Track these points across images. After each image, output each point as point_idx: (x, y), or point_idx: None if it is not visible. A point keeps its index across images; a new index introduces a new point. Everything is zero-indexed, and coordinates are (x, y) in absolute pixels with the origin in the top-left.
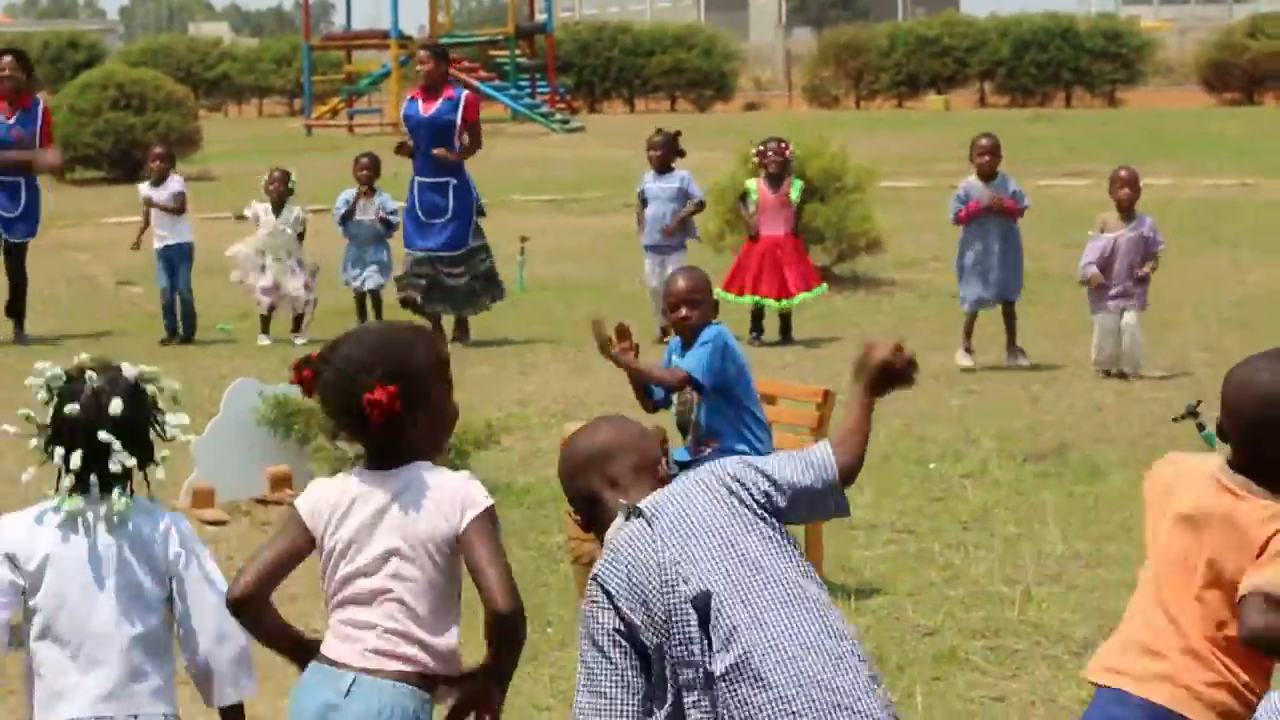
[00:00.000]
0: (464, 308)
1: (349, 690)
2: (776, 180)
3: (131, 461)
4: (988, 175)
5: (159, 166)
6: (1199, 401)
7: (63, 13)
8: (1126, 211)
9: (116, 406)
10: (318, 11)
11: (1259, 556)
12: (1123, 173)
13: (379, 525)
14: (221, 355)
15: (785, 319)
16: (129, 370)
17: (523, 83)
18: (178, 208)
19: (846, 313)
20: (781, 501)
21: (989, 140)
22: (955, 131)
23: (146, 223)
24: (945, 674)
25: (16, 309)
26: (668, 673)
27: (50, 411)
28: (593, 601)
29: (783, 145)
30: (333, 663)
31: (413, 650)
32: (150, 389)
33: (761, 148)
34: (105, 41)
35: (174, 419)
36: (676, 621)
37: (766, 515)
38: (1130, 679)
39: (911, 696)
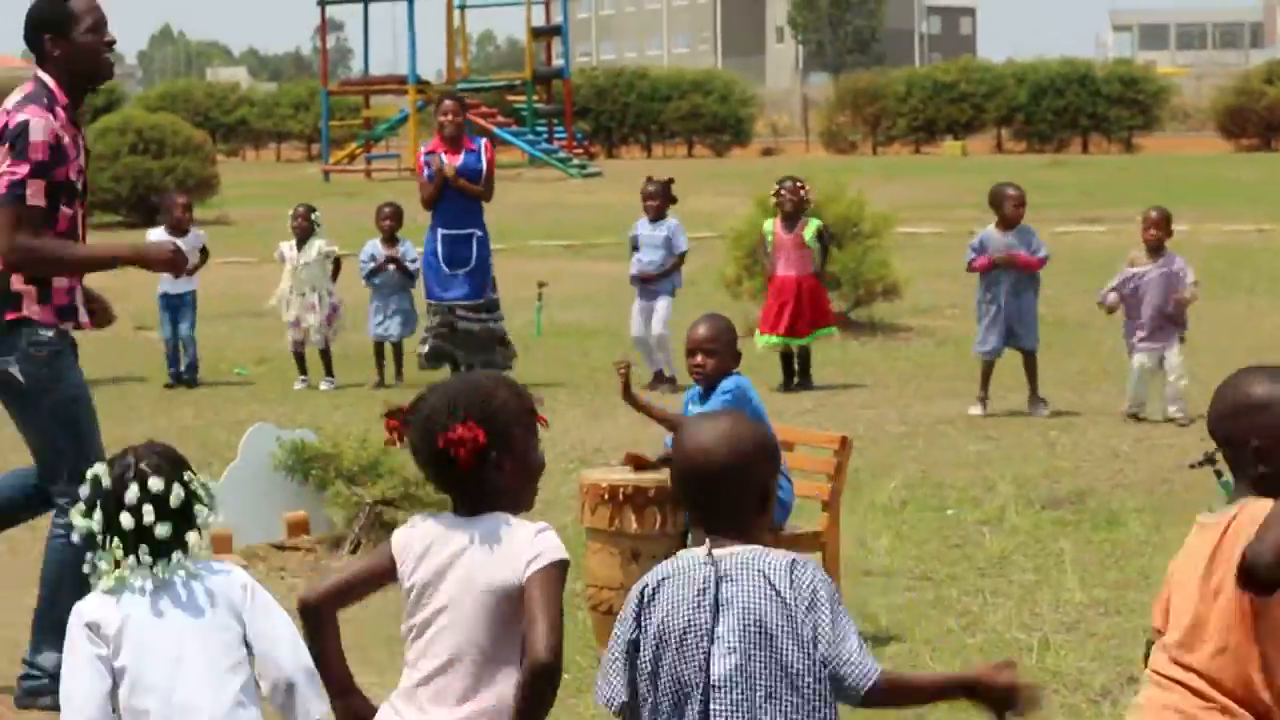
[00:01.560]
0: (477, 354)
1: None
2: (792, 220)
3: (167, 529)
4: (1013, 224)
5: (187, 218)
6: (1216, 448)
7: None
8: (1155, 251)
9: (156, 484)
10: (335, 57)
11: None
12: (1153, 213)
13: (450, 572)
14: (239, 400)
15: (804, 362)
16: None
17: (540, 128)
18: (194, 266)
19: (863, 359)
20: (818, 665)
21: (1017, 191)
22: (972, 177)
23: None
24: None
25: None
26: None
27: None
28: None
29: (799, 185)
30: None
31: (473, 707)
32: (190, 476)
33: (778, 187)
34: (123, 86)
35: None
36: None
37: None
38: None
39: None
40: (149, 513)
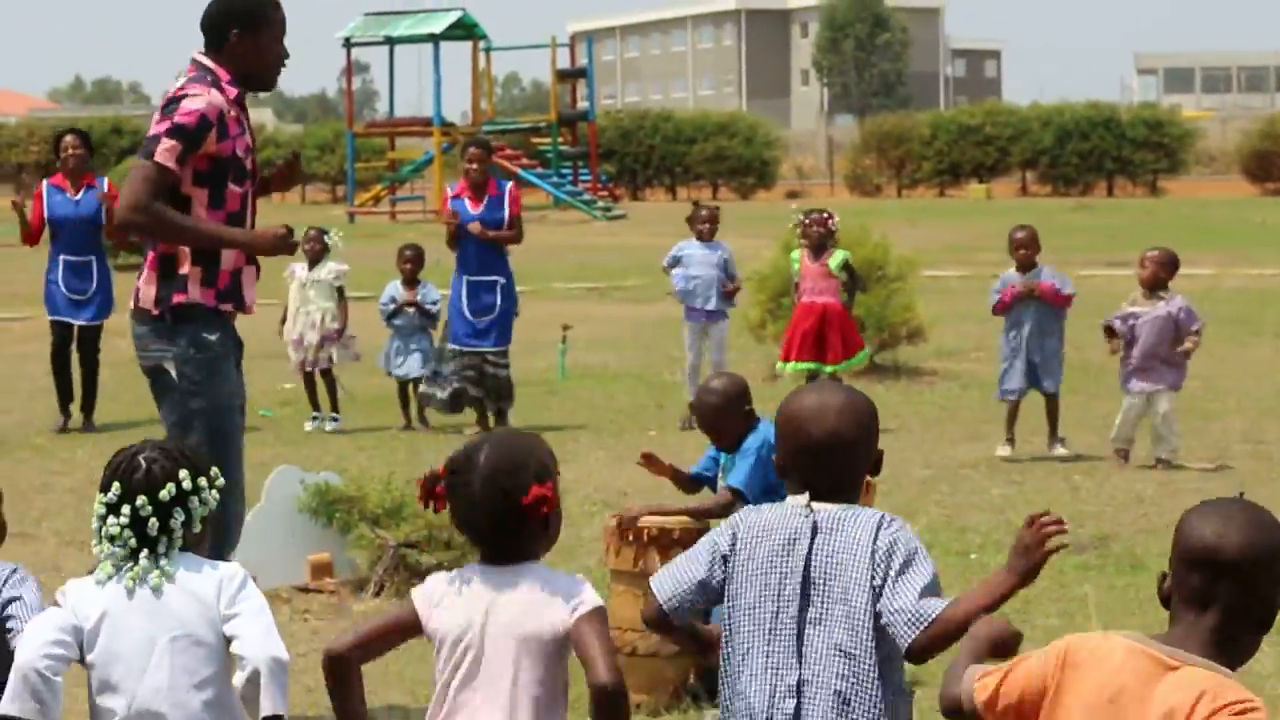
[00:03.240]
0: (504, 399)
1: None
2: (818, 251)
3: (175, 522)
4: (1025, 267)
5: None
6: (1241, 494)
7: (107, 98)
8: (1151, 290)
9: (152, 478)
10: (361, 98)
11: None
12: (1152, 252)
13: (492, 623)
14: (264, 441)
15: None
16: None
17: (565, 170)
18: None
19: (888, 402)
20: (881, 612)
21: (1025, 233)
22: (997, 220)
23: None
24: None
25: (87, 397)
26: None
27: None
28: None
29: (825, 216)
30: None
31: None
32: (184, 475)
33: (803, 218)
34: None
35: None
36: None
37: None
38: None
39: None
40: (143, 506)
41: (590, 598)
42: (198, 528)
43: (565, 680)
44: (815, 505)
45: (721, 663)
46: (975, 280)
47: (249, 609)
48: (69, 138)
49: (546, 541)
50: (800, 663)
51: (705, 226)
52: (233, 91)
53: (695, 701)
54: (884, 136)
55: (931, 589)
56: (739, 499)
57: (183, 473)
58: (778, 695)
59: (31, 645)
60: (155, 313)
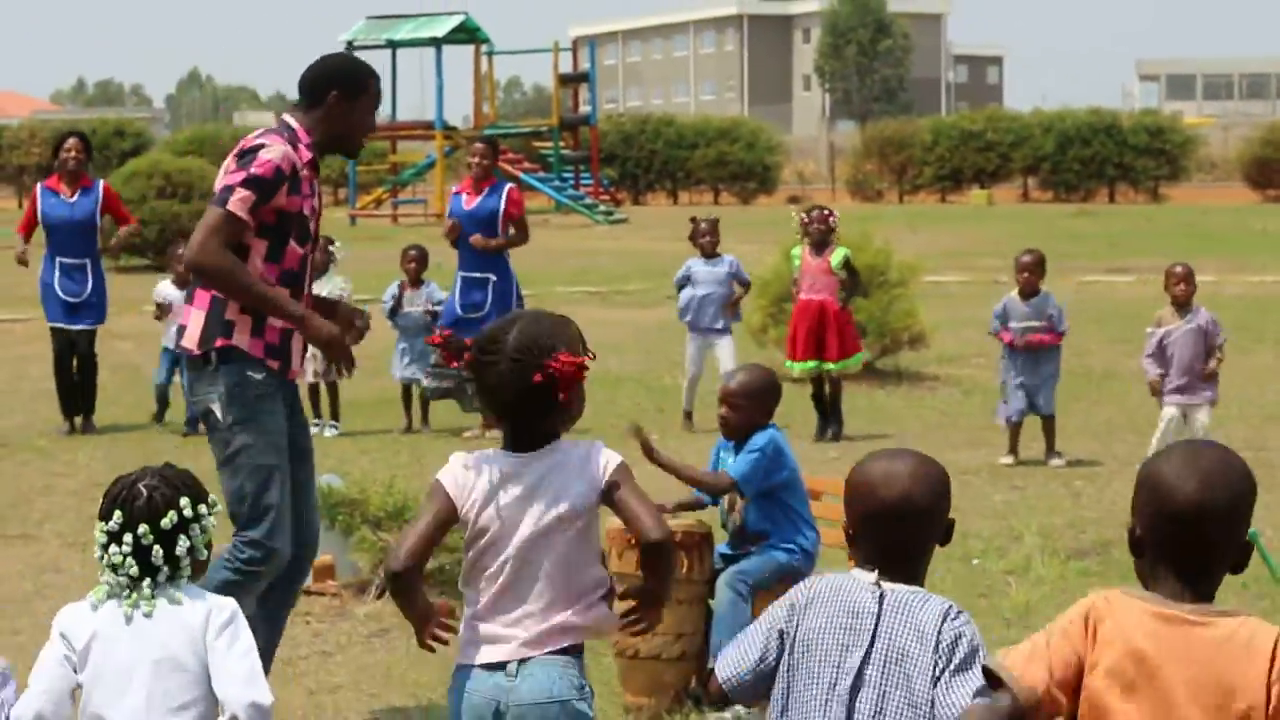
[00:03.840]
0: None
1: (517, 672)
2: (820, 248)
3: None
4: (1027, 292)
5: (186, 272)
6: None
7: (109, 101)
8: (1183, 307)
9: (153, 505)
10: None
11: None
12: (1178, 269)
13: (532, 504)
14: None
15: (835, 398)
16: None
17: (566, 174)
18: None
19: (889, 408)
20: (934, 700)
21: (1030, 257)
22: (998, 226)
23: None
24: None
25: (86, 400)
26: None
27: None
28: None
29: (826, 213)
30: (489, 666)
31: (566, 622)
32: (185, 502)
33: (805, 215)
34: (151, 130)
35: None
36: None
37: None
38: None
39: None
40: (144, 535)
41: (613, 455)
42: (204, 555)
43: (599, 547)
44: (885, 584)
45: None
46: (976, 286)
47: (235, 647)
48: (71, 140)
49: (569, 419)
50: None
51: (705, 240)
52: (307, 154)
53: (697, 705)
54: (885, 142)
55: (984, 693)
56: (735, 489)
57: (183, 500)
58: None
59: (26, 697)
60: (198, 353)
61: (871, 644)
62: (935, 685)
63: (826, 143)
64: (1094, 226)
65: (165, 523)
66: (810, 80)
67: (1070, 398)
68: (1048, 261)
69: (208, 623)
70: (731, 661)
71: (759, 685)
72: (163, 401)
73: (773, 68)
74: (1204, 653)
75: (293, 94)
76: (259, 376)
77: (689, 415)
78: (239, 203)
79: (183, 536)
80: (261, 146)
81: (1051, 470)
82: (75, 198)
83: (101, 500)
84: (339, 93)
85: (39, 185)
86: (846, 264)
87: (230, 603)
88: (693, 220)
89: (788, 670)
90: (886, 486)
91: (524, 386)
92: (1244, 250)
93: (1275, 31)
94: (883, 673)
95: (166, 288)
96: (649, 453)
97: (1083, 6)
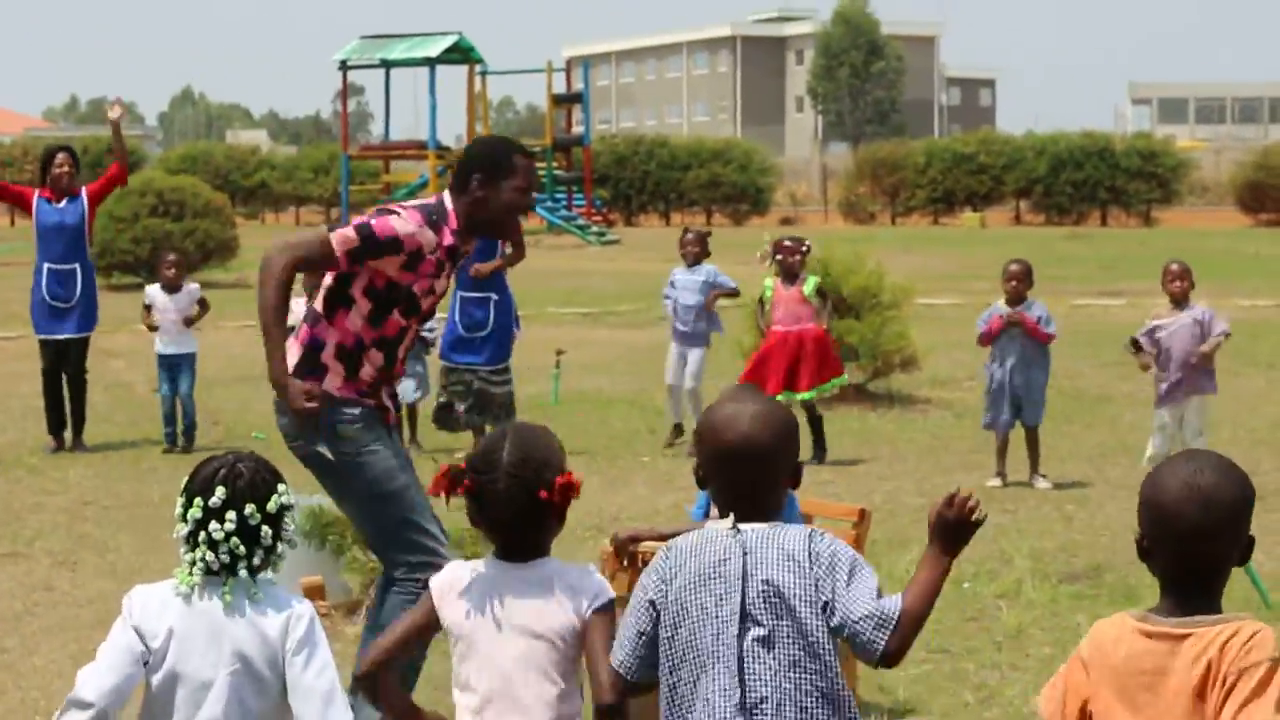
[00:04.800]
0: (505, 419)
1: None
2: (791, 278)
3: (266, 546)
4: (1015, 300)
5: (175, 275)
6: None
7: (102, 119)
8: (1179, 304)
9: (274, 503)
10: (356, 121)
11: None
12: (1174, 266)
13: (514, 617)
14: None
15: (817, 426)
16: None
17: (559, 195)
18: (194, 316)
19: (881, 430)
20: (830, 622)
21: (1018, 266)
22: (991, 249)
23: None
24: None
25: (76, 419)
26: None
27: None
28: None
29: (798, 243)
30: None
31: None
32: (289, 502)
33: (775, 246)
34: (144, 148)
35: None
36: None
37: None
38: None
39: None
40: (252, 514)
41: (604, 589)
42: (295, 544)
43: (579, 674)
44: (741, 526)
45: (664, 707)
46: (969, 309)
47: (313, 663)
48: (61, 155)
49: (558, 529)
50: (744, 686)
51: (688, 250)
52: (450, 239)
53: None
54: (878, 164)
55: (880, 590)
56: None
57: (282, 486)
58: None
59: (91, 681)
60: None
61: (744, 586)
62: (832, 610)
63: (819, 164)
64: (1086, 250)
65: (271, 505)
66: (803, 102)
67: (1062, 420)
68: (1039, 284)
69: (286, 633)
70: (617, 648)
71: (648, 661)
72: (170, 419)
73: (766, 89)
74: (1184, 663)
75: (286, 111)
76: (356, 411)
77: (679, 428)
78: (340, 239)
79: (283, 521)
80: (396, 214)
81: (1042, 493)
82: (64, 204)
83: (189, 481)
84: (482, 177)
85: (35, 191)
86: (819, 290)
87: (308, 610)
88: (685, 230)
89: (670, 636)
90: (729, 429)
91: (523, 504)
92: (1236, 274)
93: (1267, 56)
94: (765, 610)
95: (156, 291)
96: (632, 541)
97: (1075, 29)
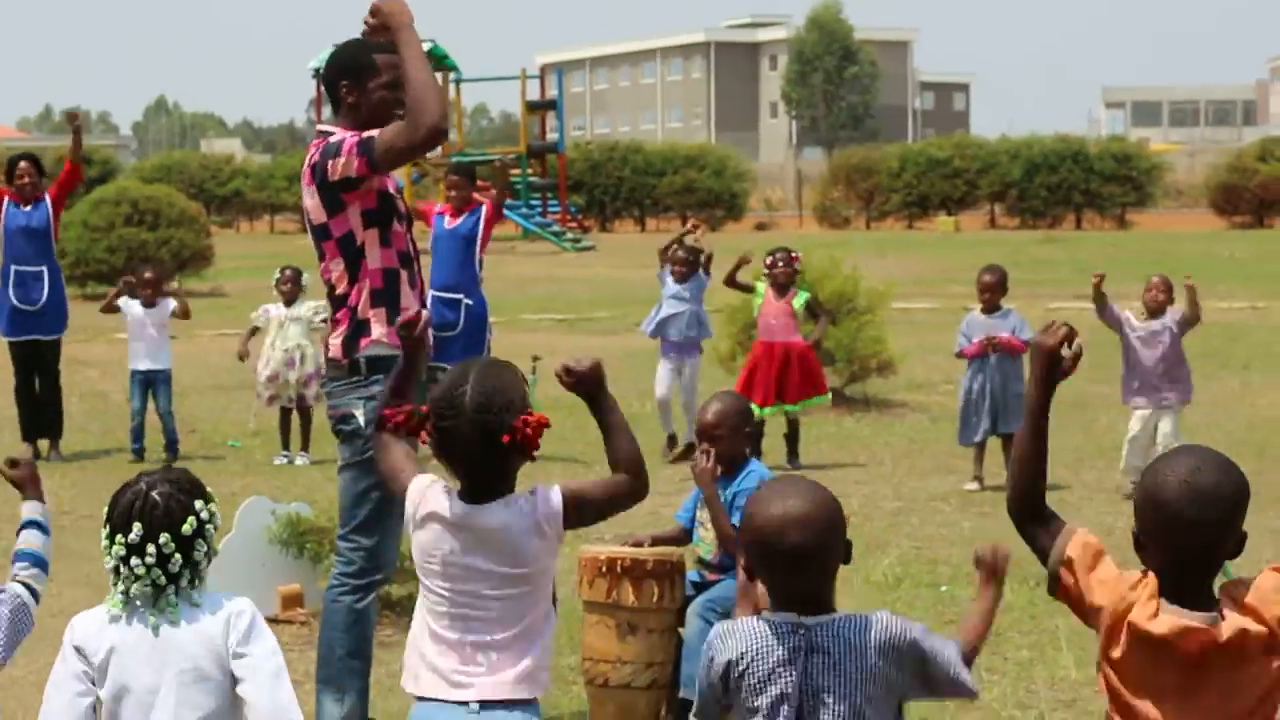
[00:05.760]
0: None
1: (479, 710)
2: (783, 290)
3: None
4: (990, 309)
5: (150, 293)
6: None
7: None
8: (1154, 315)
9: (189, 525)
10: None
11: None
12: (1155, 279)
13: (486, 551)
14: (233, 472)
15: (792, 435)
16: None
17: (534, 201)
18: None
19: (857, 435)
20: (941, 689)
21: (991, 276)
22: (965, 253)
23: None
24: None
25: (53, 424)
26: None
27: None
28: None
29: (793, 256)
30: (446, 702)
31: (522, 672)
32: (201, 505)
33: (771, 258)
34: (118, 157)
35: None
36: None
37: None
38: None
39: None
40: (166, 544)
41: (553, 494)
42: (216, 552)
43: (551, 599)
44: (805, 619)
45: None
46: (944, 313)
47: (259, 653)
48: (23, 164)
49: (525, 459)
50: None
51: (677, 269)
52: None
53: None
54: (852, 169)
55: (952, 648)
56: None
57: (198, 504)
58: None
59: (54, 709)
60: (345, 361)
61: (809, 684)
62: (924, 684)
63: (794, 169)
64: (1061, 253)
65: (185, 529)
66: (777, 107)
67: None
68: (1014, 288)
69: (228, 629)
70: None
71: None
72: (138, 435)
73: (740, 95)
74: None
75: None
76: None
77: (674, 439)
78: (357, 146)
79: (200, 540)
80: (331, 134)
81: None
82: (30, 208)
83: (109, 511)
84: (348, 84)
85: (2, 194)
86: (808, 306)
87: (247, 605)
88: (678, 245)
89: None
90: (781, 538)
91: (487, 446)
92: (1211, 276)
93: (1240, 59)
94: (826, 705)
95: (134, 305)
96: (712, 478)
97: (1049, 34)
